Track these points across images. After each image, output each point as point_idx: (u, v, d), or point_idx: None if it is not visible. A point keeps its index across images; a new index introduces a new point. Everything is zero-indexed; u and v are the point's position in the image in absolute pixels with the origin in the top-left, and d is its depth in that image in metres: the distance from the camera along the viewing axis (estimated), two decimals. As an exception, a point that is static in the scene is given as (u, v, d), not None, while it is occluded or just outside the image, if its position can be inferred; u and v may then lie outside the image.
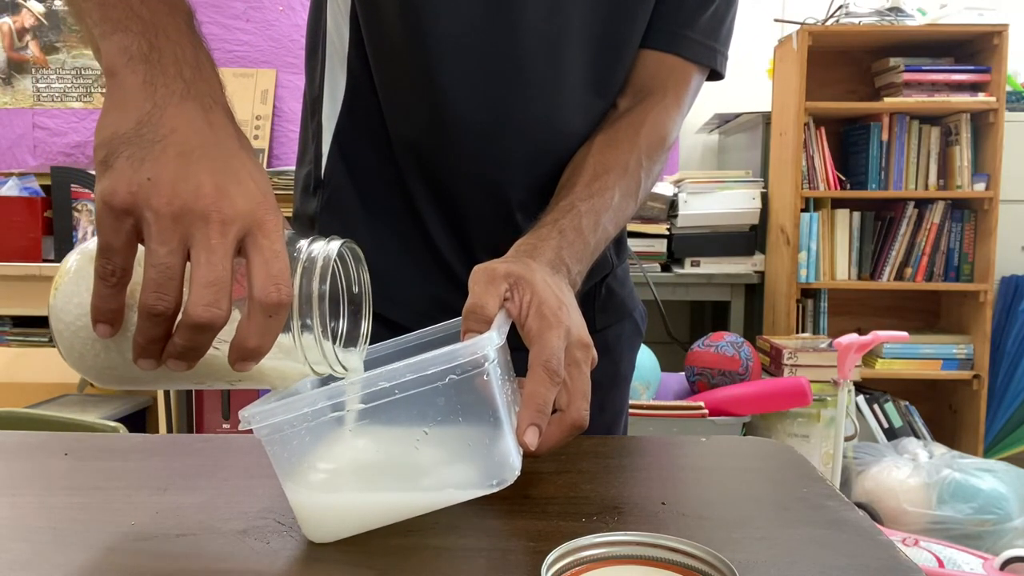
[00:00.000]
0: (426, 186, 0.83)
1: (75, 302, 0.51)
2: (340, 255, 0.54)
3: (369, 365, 0.63)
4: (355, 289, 0.58)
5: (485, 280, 0.62)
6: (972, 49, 2.74)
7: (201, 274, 0.46)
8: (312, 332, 0.51)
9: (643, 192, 0.83)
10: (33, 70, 3.22)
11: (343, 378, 0.54)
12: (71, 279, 0.53)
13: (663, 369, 2.46)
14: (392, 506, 0.53)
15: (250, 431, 0.52)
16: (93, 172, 2.72)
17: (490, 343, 0.51)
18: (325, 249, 0.52)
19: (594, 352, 0.64)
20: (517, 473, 0.54)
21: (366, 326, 0.59)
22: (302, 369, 0.54)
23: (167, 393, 2.67)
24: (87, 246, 0.54)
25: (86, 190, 2.64)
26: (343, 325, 0.57)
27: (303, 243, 0.53)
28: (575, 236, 0.73)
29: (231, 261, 0.47)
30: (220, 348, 0.49)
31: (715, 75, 0.88)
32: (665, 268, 2.81)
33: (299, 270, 0.51)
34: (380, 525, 0.53)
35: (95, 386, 2.93)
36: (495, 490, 0.53)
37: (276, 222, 0.49)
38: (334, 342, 0.54)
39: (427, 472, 0.53)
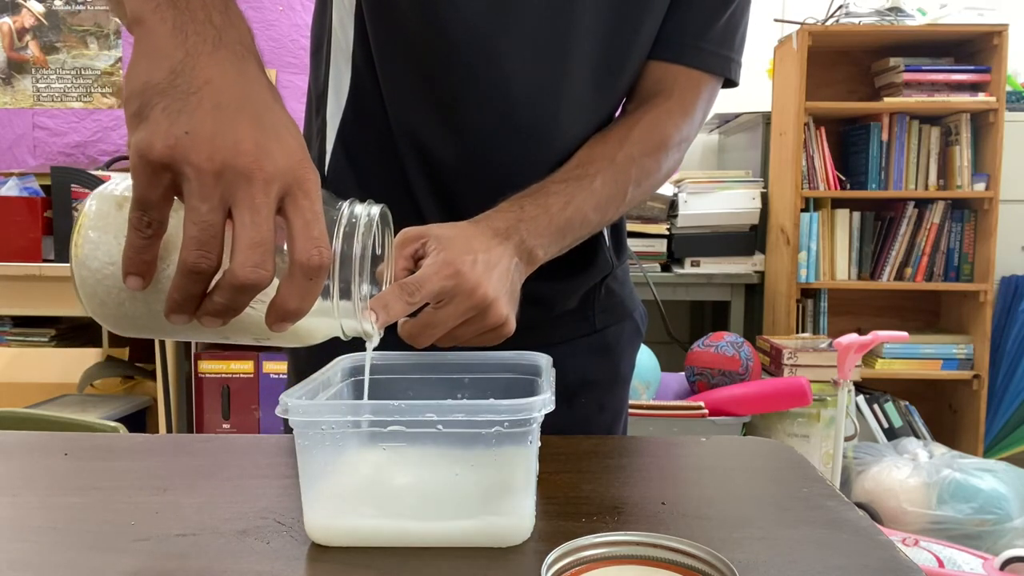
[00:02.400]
0: (429, 183, 0.84)
1: (103, 250, 0.50)
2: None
3: (389, 374, 0.65)
4: (379, 252, 0.59)
5: (399, 243, 0.66)
6: (972, 49, 2.74)
7: (246, 234, 0.45)
8: (351, 295, 0.52)
9: (637, 189, 0.83)
10: (33, 70, 3.22)
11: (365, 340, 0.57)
12: (96, 226, 0.51)
13: (663, 369, 2.46)
14: (403, 533, 0.54)
15: (272, 424, 0.52)
16: (93, 172, 2.72)
17: (542, 404, 0.52)
18: (367, 212, 0.53)
19: (496, 318, 0.66)
20: (527, 536, 0.54)
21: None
22: (332, 330, 0.54)
23: (167, 393, 2.67)
24: (107, 190, 0.52)
25: (86, 190, 2.64)
26: (369, 288, 0.57)
27: (344, 204, 0.53)
28: (538, 211, 0.74)
29: (274, 221, 0.46)
30: (256, 307, 0.49)
31: (729, 83, 0.88)
32: (665, 268, 2.81)
33: (341, 232, 0.52)
34: (385, 545, 0.54)
35: (95, 386, 2.93)
36: (504, 544, 0.53)
37: (316, 180, 0.49)
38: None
39: (448, 510, 0.54)
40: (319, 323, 0.53)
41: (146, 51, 0.48)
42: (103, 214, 0.51)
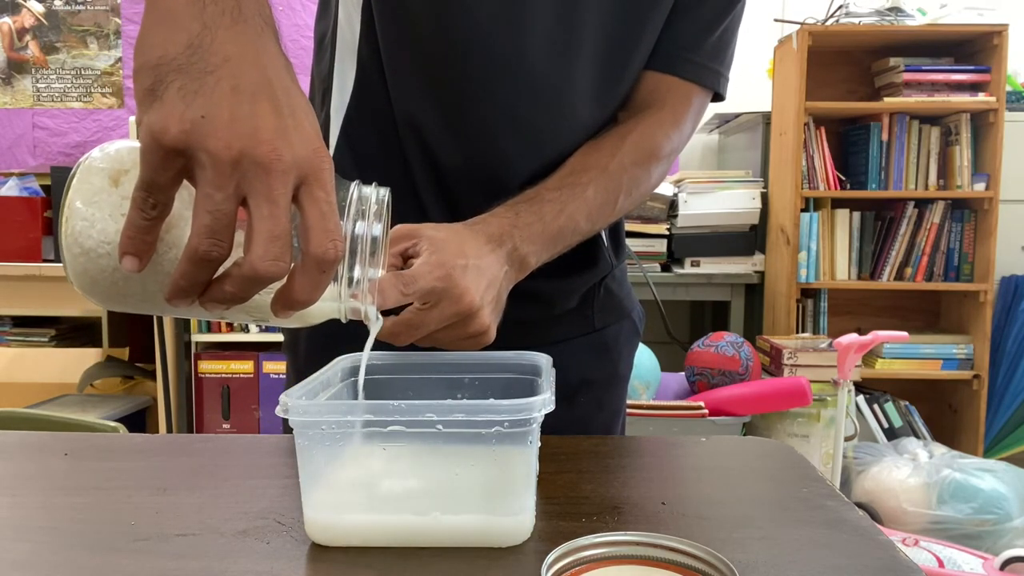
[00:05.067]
0: (433, 181, 0.84)
1: (98, 228, 0.48)
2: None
3: (389, 374, 0.66)
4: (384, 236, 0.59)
5: (390, 240, 0.66)
6: (972, 49, 2.74)
7: (266, 227, 0.44)
8: (357, 279, 0.52)
9: (628, 199, 0.83)
10: (33, 70, 3.22)
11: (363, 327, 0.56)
12: (90, 201, 0.49)
13: (663, 369, 2.46)
14: (403, 533, 0.54)
15: (272, 424, 0.52)
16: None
17: (542, 404, 0.52)
18: (375, 196, 0.53)
19: (478, 327, 0.67)
20: (527, 536, 0.54)
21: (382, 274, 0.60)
22: (333, 312, 0.54)
23: (167, 393, 2.67)
24: (96, 162, 0.50)
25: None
26: (376, 273, 0.57)
27: (353, 187, 0.53)
28: (533, 219, 0.74)
29: (291, 212, 0.45)
30: (261, 294, 0.48)
31: (716, 97, 0.89)
32: (665, 268, 2.81)
33: (351, 216, 0.51)
34: (385, 545, 0.54)
35: (95, 386, 2.93)
36: (504, 544, 0.53)
37: (331, 169, 0.48)
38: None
39: (448, 510, 0.54)
40: (322, 305, 0.53)
41: (160, 19, 0.46)
42: (97, 189, 0.49)
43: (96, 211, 0.49)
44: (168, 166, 0.44)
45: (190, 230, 0.45)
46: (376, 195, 0.54)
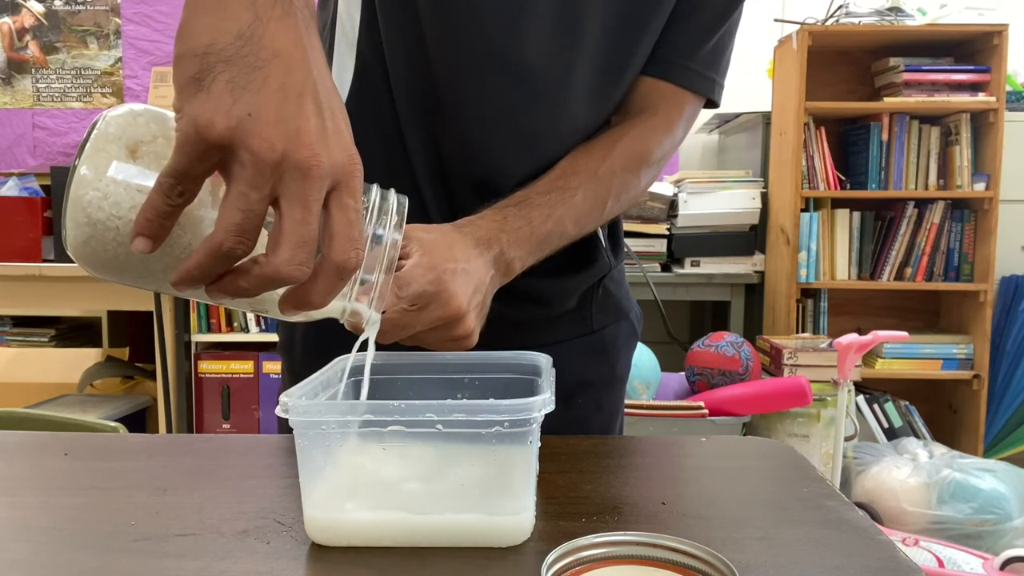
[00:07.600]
0: (432, 174, 0.84)
1: (111, 200, 0.47)
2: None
3: (389, 374, 0.66)
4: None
5: None
6: (972, 49, 2.74)
7: (296, 231, 0.44)
8: (375, 284, 0.52)
9: (616, 203, 0.84)
10: (33, 70, 3.23)
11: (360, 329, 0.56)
12: (103, 171, 0.47)
13: (663, 369, 2.46)
14: (403, 533, 0.54)
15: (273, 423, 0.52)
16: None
17: (542, 404, 0.52)
18: (395, 204, 0.53)
19: (463, 331, 0.67)
20: (527, 536, 0.54)
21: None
22: (334, 312, 0.54)
23: (167, 393, 2.67)
24: (109, 127, 0.47)
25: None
26: (388, 278, 0.57)
27: (374, 192, 0.53)
28: (521, 223, 0.75)
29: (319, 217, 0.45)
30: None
31: (711, 103, 0.90)
32: (665, 268, 2.81)
33: (372, 222, 0.51)
34: (385, 544, 0.54)
35: (95, 386, 2.93)
36: (504, 544, 0.53)
37: (361, 176, 0.47)
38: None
39: (448, 510, 0.54)
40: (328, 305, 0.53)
41: (207, 4, 0.44)
42: (112, 159, 0.47)
43: (110, 184, 0.47)
44: (205, 159, 0.44)
45: (213, 219, 0.44)
46: (396, 203, 0.54)
